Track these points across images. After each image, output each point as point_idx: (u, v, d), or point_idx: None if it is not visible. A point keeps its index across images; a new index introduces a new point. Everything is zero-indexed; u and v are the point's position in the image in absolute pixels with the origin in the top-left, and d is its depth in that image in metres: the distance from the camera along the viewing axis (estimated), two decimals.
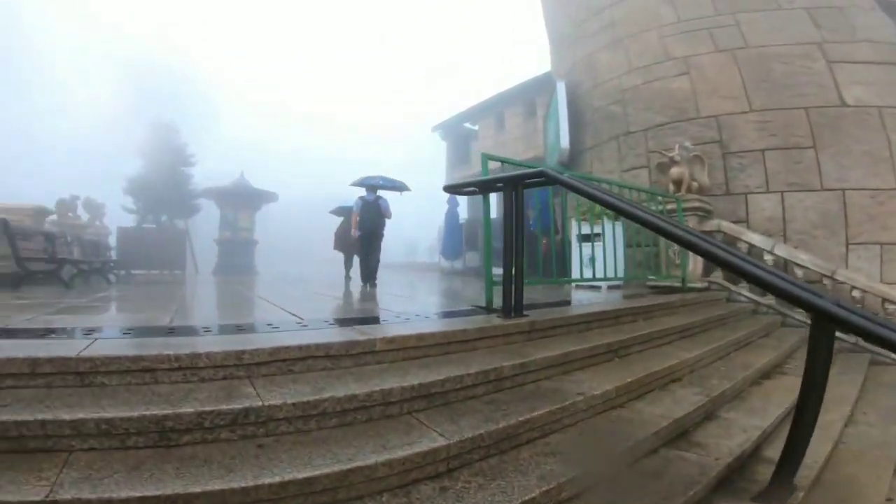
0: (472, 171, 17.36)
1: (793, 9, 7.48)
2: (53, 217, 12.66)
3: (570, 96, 9.51)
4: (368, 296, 5.59)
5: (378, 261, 7.63)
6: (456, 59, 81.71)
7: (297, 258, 26.29)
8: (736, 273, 1.96)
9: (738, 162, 7.27)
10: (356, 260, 8.28)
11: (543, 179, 2.85)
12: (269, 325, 2.61)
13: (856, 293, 5.89)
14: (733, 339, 4.30)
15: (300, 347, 2.04)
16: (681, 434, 2.41)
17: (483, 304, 3.46)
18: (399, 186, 8.35)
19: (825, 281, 6.10)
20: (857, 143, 6.75)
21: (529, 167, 4.53)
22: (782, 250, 6.45)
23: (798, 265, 6.27)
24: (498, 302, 3.31)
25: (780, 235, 6.88)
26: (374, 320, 2.95)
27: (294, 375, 2.00)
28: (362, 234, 7.37)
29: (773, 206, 7.02)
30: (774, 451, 2.38)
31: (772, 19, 7.54)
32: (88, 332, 2.39)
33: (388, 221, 7.63)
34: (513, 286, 2.98)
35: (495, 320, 2.88)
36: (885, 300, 5.75)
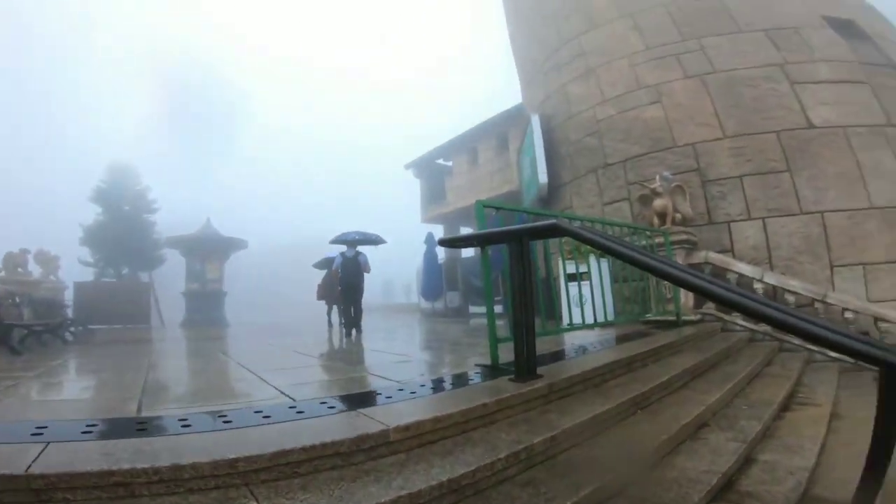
0: (449, 209, 17.31)
1: (752, 31, 7.77)
2: (0, 274, 11.79)
3: (544, 129, 9.53)
4: (358, 356, 5.21)
5: (361, 311, 8.04)
6: (428, 94, 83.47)
7: (270, 308, 25.37)
8: (795, 333, 1.82)
9: (718, 190, 7.32)
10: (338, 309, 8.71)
11: (555, 232, 2.66)
12: (258, 412, 2.23)
13: (848, 314, 5.90)
14: (744, 373, 4.18)
15: (304, 449, 1.71)
16: (727, 485, 2.25)
17: (488, 362, 3.21)
18: (375, 240, 8.80)
19: (817, 305, 6.10)
20: (829, 165, 6.92)
21: (530, 213, 4.36)
22: (772, 278, 6.45)
23: (789, 291, 6.27)
24: (504, 357, 3.06)
25: (766, 263, 6.89)
26: (378, 395, 2.60)
27: (301, 479, 1.68)
28: (344, 288, 7.92)
29: (756, 233, 7.06)
30: (827, 491, 2.31)
31: (734, 42, 7.80)
32: (39, 430, 1.98)
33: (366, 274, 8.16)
34: (524, 345, 2.72)
35: (510, 386, 2.60)
36: (877, 319, 5.79)
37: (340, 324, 8.74)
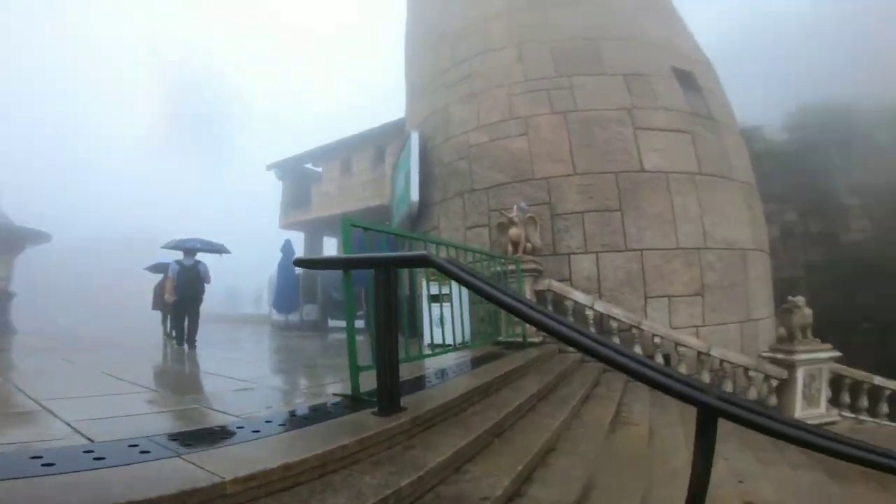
0: (312, 216, 16.49)
1: (615, 75, 8.54)
2: None
3: (422, 147, 9.50)
4: (189, 381, 4.49)
5: (197, 324, 7.35)
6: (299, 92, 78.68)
7: (79, 314, 21.13)
8: (628, 374, 2.00)
9: (564, 223, 8.03)
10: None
11: (423, 263, 2.60)
12: (36, 458, 1.68)
13: (657, 339, 6.86)
14: (579, 395, 4.52)
15: None
16: None
17: (349, 391, 2.95)
18: (218, 249, 8.12)
19: (634, 331, 7.02)
20: (651, 207, 7.94)
21: (399, 235, 4.26)
22: (601, 306, 7.26)
23: (613, 318, 7.12)
24: (365, 384, 2.84)
25: (596, 292, 7.72)
26: (211, 435, 2.18)
27: None
28: (180, 299, 7.15)
29: (590, 265, 7.87)
30: None
31: (598, 84, 8.47)
32: None
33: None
34: (387, 376, 2.55)
35: (373, 421, 2.40)
36: (677, 344, 6.82)
37: (171, 336, 7.79)
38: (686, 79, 9.04)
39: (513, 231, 7.59)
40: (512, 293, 2.63)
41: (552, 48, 8.87)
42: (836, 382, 7.03)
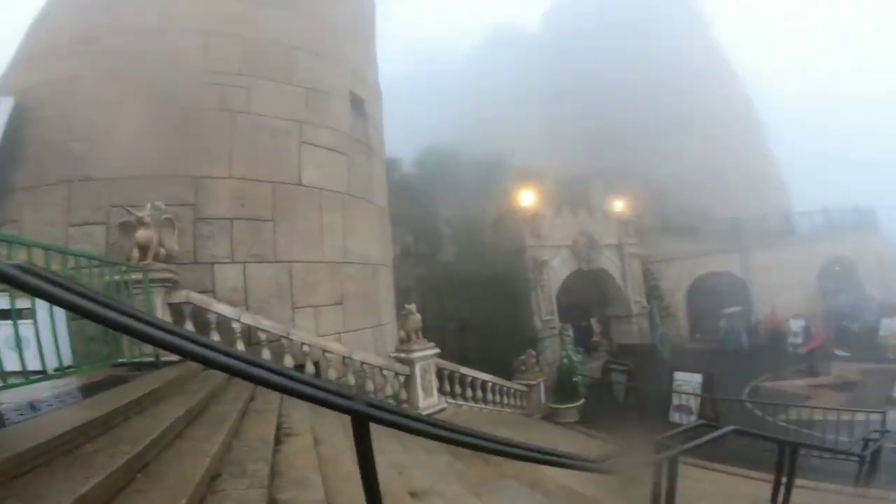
0: None
1: (300, 86, 8.36)
2: None
3: (16, 119, 6.91)
4: None
5: None
6: None
7: None
8: (268, 386, 1.86)
9: (209, 229, 7.23)
10: None
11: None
12: None
13: (305, 347, 6.95)
14: (235, 413, 4.08)
15: None
16: None
17: None
18: None
19: (283, 341, 6.93)
20: (302, 221, 8.12)
21: None
22: (248, 318, 6.83)
23: (262, 330, 6.83)
24: None
25: (244, 304, 7.25)
26: None
27: None
28: None
29: (237, 276, 7.35)
30: None
31: (280, 91, 8.10)
32: None
33: None
34: None
35: None
36: (324, 350, 7.10)
37: None
38: (358, 105, 9.75)
39: (142, 233, 6.25)
40: (130, 309, 2.01)
41: (245, 45, 8.06)
42: (440, 374, 8.66)
